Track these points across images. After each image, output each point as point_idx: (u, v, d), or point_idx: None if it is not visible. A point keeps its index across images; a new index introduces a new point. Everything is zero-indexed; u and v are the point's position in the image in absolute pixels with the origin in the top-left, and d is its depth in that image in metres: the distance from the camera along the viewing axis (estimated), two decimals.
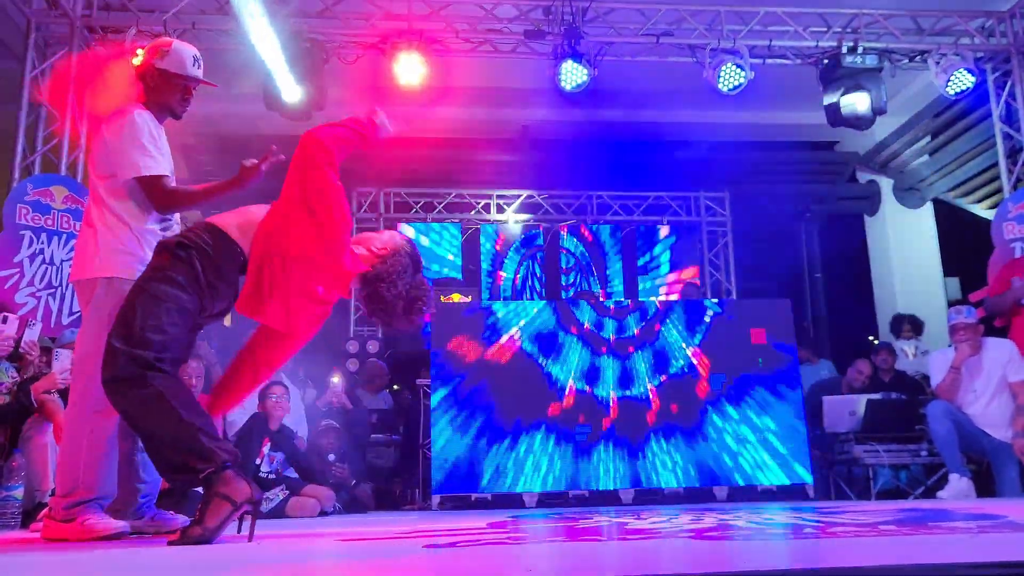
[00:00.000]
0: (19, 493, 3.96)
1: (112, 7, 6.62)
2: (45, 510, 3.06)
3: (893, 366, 6.96)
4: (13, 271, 5.72)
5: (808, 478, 5.75)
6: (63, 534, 2.77)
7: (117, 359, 2.49)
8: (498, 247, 10.08)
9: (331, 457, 5.75)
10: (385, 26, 6.81)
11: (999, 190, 7.52)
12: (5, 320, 4.31)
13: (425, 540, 2.41)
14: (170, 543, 2.37)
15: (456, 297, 7.61)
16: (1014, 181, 7.35)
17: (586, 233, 10.28)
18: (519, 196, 10.20)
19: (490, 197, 10.20)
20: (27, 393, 4.11)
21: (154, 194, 3.02)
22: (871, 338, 10.52)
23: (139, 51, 3.20)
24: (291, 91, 6.52)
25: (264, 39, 5.94)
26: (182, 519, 3.20)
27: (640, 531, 2.64)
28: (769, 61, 7.26)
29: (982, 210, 10.07)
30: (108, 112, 3.13)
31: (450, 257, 9.93)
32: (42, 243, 5.79)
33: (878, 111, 7.04)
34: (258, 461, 5.09)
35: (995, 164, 7.65)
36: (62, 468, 2.90)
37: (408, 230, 9.67)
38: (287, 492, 5.10)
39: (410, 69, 6.64)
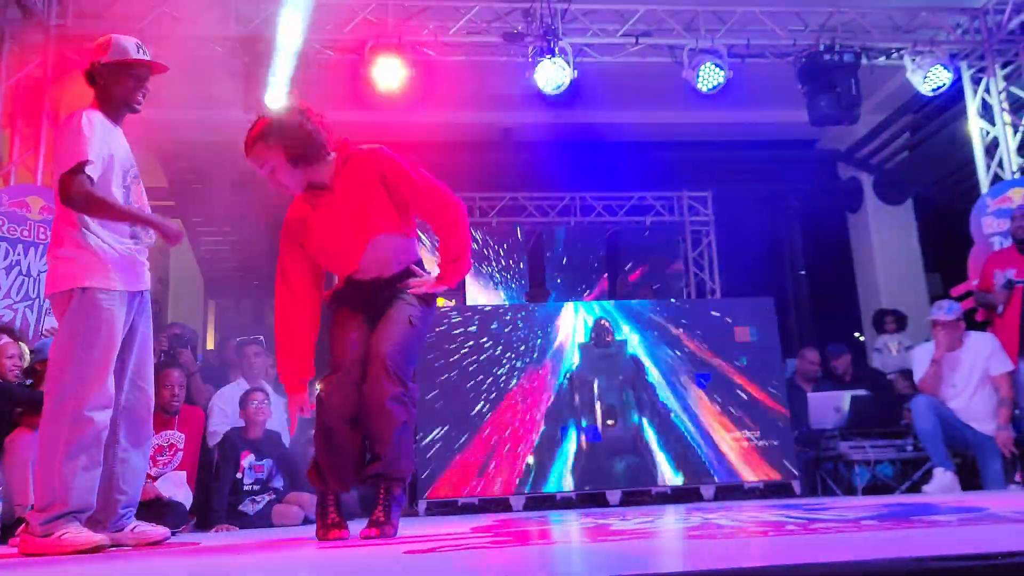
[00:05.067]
0: None
1: (87, 15, 6.53)
2: (23, 525, 3.01)
3: (849, 367, 7.04)
4: None
5: (794, 475, 5.77)
6: (41, 549, 2.73)
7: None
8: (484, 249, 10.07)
9: None
10: (363, 31, 6.77)
11: (978, 185, 7.56)
12: None
13: (406, 546, 2.40)
14: None
15: (440, 301, 7.56)
16: (991, 176, 7.41)
17: (568, 234, 10.28)
18: (502, 199, 10.19)
19: (473, 200, 10.17)
20: None
21: (63, 184, 2.94)
22: (856, 334, 10.58)
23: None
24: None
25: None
26: (163, 530, 3.17)
27: (625, 532, 2.63)
28: (748, 60, 7.29)
29: (963, 205, 10.14)
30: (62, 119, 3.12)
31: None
32: (18, 254, 5.71)
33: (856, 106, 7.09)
34: (239, 475, 5.02)
35: (973, 159, 7.70)
36: (39, 481, 2.86)
37: None
38: (274, 496, 5.06)
39: (389, 73, 6.60)
